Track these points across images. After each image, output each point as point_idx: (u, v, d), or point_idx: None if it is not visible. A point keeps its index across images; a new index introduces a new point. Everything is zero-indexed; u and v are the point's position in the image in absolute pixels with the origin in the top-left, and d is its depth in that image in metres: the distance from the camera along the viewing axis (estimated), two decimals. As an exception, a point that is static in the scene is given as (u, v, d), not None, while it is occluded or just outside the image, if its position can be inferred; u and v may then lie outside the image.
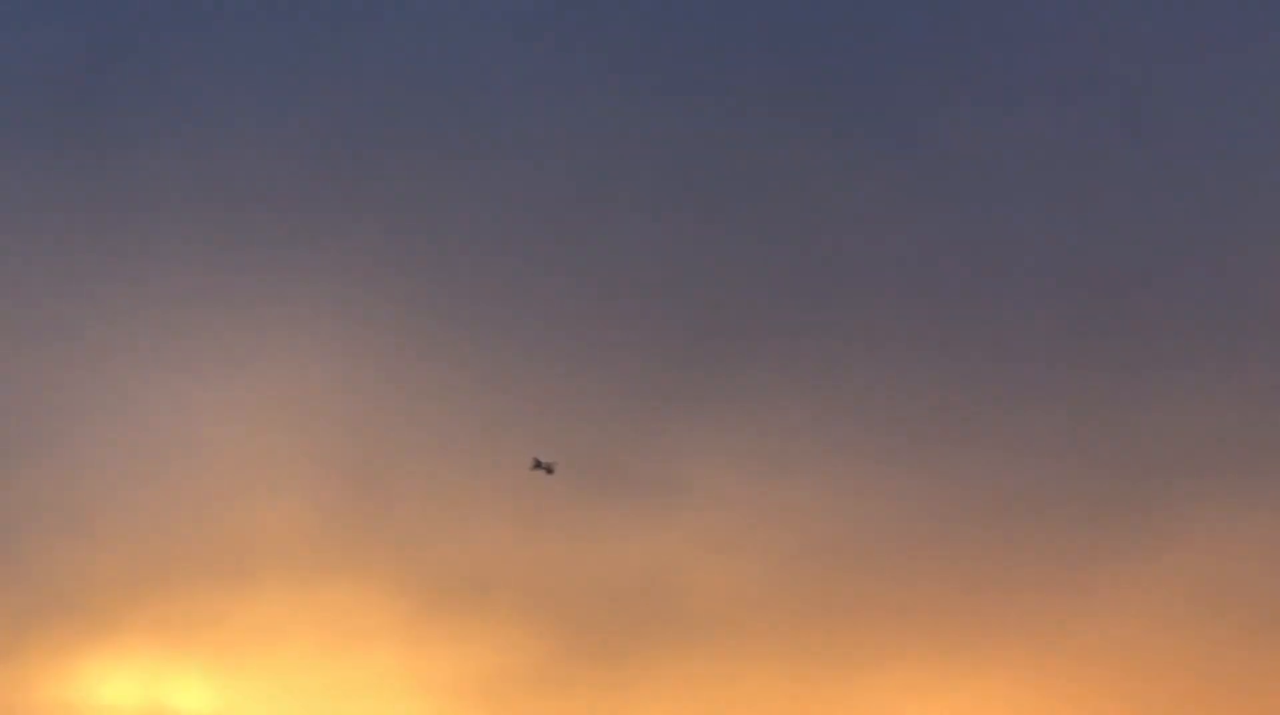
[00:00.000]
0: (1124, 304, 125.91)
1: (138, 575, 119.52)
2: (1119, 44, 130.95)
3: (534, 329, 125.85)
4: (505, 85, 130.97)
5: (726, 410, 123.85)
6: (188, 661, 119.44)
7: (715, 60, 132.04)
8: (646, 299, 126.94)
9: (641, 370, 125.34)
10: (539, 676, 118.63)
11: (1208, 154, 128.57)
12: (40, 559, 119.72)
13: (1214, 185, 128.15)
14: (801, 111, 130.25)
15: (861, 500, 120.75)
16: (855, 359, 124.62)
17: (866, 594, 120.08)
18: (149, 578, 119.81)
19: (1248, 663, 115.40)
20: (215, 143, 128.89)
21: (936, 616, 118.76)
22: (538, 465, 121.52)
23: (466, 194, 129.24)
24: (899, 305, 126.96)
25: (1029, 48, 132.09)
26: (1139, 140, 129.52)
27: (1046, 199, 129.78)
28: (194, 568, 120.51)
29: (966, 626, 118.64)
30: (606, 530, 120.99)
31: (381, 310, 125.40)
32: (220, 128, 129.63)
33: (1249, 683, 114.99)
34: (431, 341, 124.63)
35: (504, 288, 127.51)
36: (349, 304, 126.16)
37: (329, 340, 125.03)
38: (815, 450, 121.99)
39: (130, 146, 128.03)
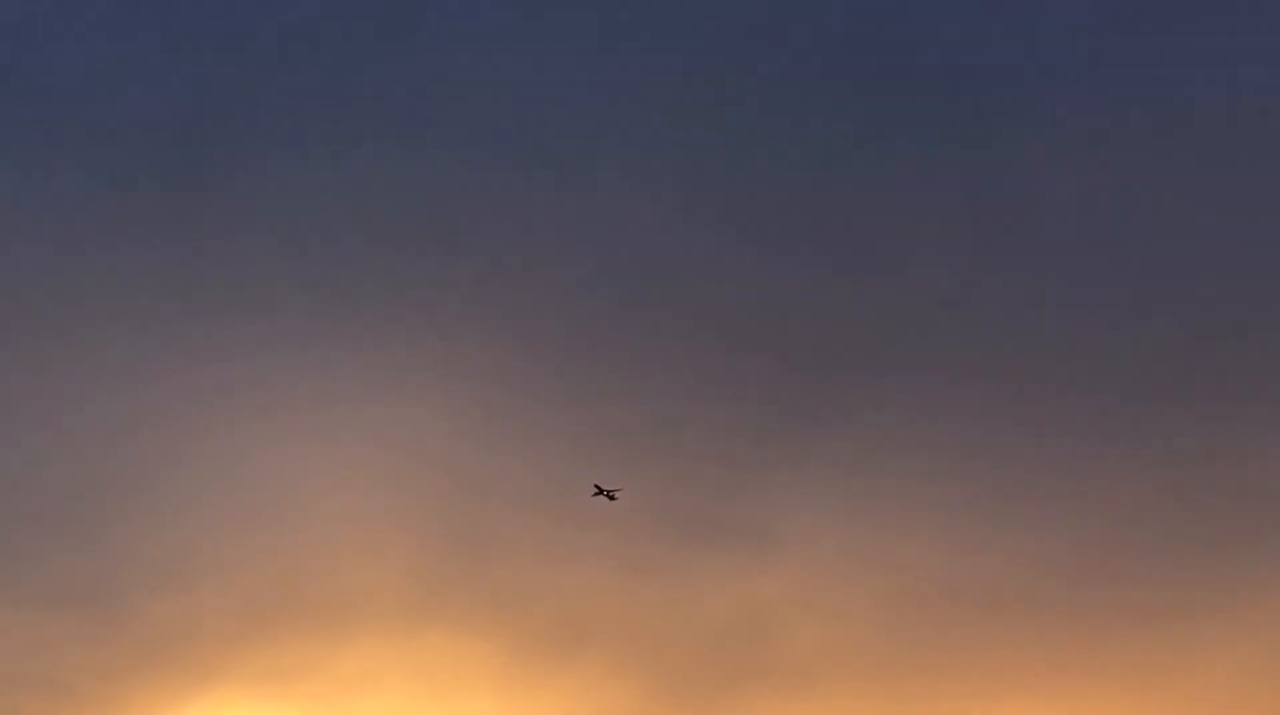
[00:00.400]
0: (1219, 350, 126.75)
1: (239, 627, 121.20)
2: (1205, 85, 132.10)
3: (631, 381, 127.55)
4: (598, 138, 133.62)
5: (821, 461, 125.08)
6: (288, 712, 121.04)
7: (807, 112, 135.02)
8: (744, 351, 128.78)
9: (738, 421, 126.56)
10: None
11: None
12: (144, 612, 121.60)
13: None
14: (896, 163, 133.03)
15: (956, 550, 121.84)
16: (950, 412, 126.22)
17: (961, 643, 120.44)
18: (250, 630, 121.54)
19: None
20: (308, 201, 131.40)
21: (1032, 665, 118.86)
22: (599, 491, 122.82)
23: (563, 247, 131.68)
24: (995, 359, 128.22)
25: (1114, 90, 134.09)
26: (1233, 185, 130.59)
27: (1139, 245, 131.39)
28: (293, 619, 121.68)
29: (1062, 675, 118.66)
30: (701, 578, 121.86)
31: (478, 364, 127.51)
32: (312, 185, 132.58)
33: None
34: (528, 394, 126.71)
35: (602, 342, 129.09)
36: (446, 359, 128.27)
37: (426, 394, 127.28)
38: (910, 501, 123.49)
39: (225, 208, 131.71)
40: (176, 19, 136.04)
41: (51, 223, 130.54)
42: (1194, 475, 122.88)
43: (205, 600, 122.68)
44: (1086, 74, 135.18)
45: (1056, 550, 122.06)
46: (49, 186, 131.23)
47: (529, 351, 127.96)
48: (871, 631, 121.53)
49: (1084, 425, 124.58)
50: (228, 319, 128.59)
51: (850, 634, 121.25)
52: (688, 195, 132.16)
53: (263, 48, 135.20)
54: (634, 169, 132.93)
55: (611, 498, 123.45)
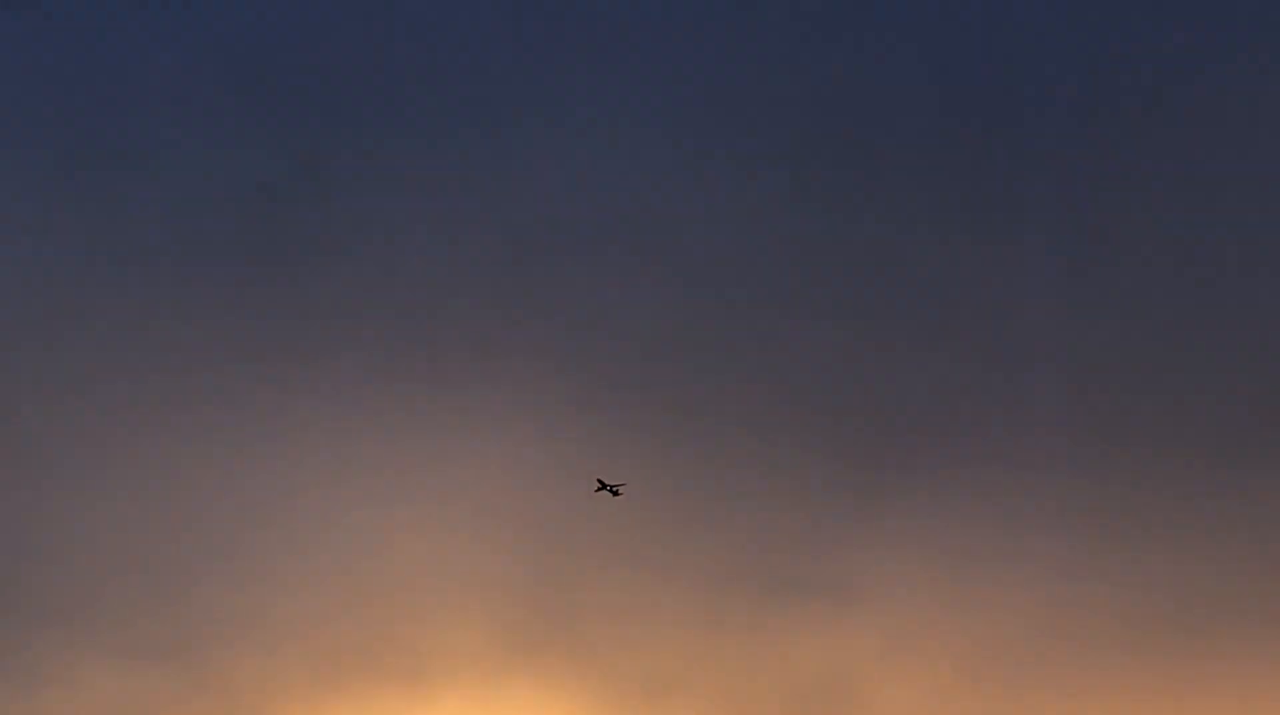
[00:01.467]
0: None
1: (321, 686, 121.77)
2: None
3: (714, 439, 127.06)
4: (689, 199, 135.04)
5: (901, 515, 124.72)
6: None
7: (893, 173, 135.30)
8: (825, 409, 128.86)
9: (817, 478, 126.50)
10: None
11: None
12: (229, 669, 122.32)
13: None
14: (975, 223, 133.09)
15: (1041, 600, 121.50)
16: (1032, 465, 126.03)
17: (1050, 694, 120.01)
18: (332, 688, 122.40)
19: None
20: (392, 266, 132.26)
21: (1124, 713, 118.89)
22: (602, 486, 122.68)
23: (648, 312, 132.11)
24: (1077, 412, 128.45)
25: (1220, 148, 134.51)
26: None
27: (1229, 298, 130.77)
28: (377, 677, 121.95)
29: None
30: (784, 634, 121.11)
31: (564, 427, 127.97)
32: (398, 248, 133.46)
33: None
34: (614, 454, 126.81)
35: (687, 402, 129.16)
36: (532, 420, 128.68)
37: (512, 456, 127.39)
38: (993, 552, 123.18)
39: (308, 275, 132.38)
40: (264, 87, 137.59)
41: (142, 288, 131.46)
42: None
43: (288, 658, 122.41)
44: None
45: (1145, 597, 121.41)
46: (139, 251, 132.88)
47: (614, 415, 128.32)
48: (958, 685, 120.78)
49: (1170, 476, 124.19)
50: (311, 384, 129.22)
51: (937, 687, 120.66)
52: (767, 258, 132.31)
53: (350, 116, 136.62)
54: (715, 231, 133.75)
55: (615, 493, 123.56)
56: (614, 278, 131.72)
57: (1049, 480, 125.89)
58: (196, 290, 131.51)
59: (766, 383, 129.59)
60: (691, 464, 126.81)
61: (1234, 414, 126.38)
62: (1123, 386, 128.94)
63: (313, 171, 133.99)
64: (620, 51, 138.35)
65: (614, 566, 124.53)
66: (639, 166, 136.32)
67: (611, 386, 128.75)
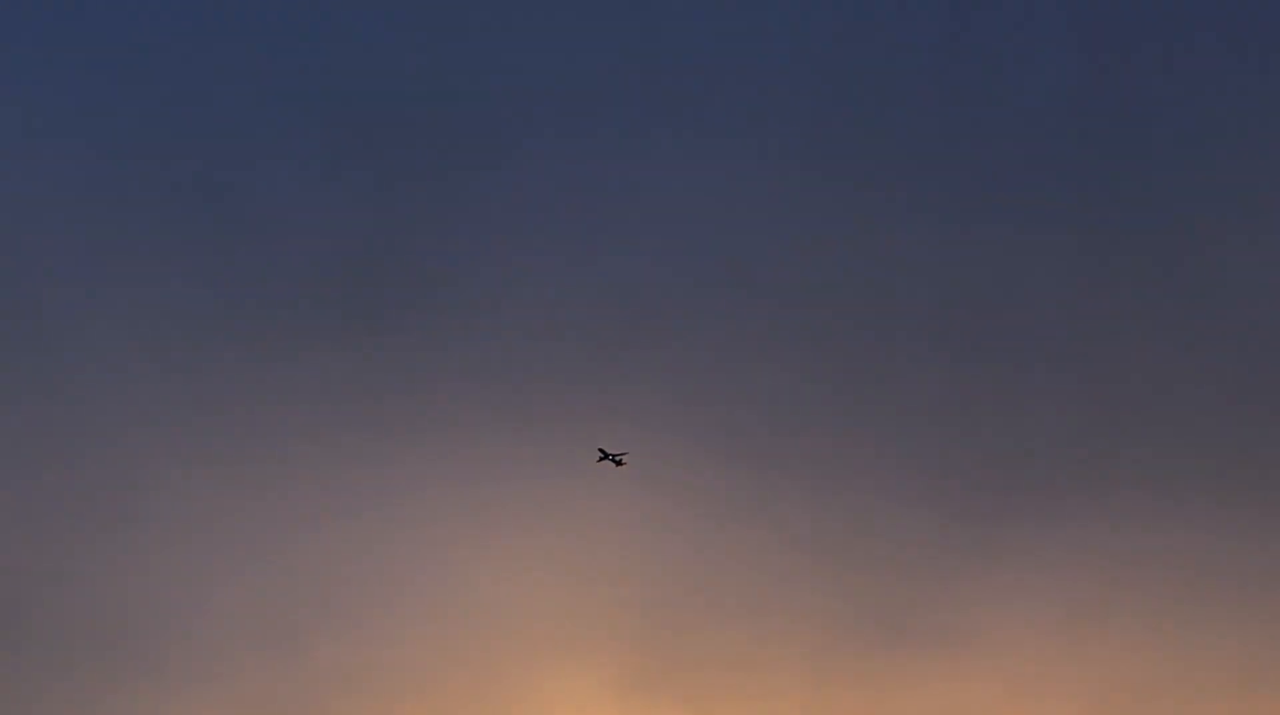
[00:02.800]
0: None
1: None
2: None
3: (822, 491, 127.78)
4: (779, 242, 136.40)
5: (1015, 565, 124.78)
6: None
7: (1012, 222, 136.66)
8: (938, 460, 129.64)
9: (929, 526, 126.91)
10: None
11: None
12: (351, 706, 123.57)
13: None
14: (1082, 267, 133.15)
15: (1158, 651, 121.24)
16: (1145, 513, 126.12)
17: None
18: None
19: None
20: (491, 319, 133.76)
21: None
22: (604, 456, 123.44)
23: (757, 363, 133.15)
24: (1192, 462, 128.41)
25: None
26: None
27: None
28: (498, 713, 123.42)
29: None
30: (898, 685, 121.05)
31: (673, 480, 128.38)
32: (496, 308, 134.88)
33: None
34: (720, 507, 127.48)
35: (799, 455, 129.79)
36: (648, 471, 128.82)
37: (629, 505, 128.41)
38: (1107, 606, 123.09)
39: (412, 334, 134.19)
40: (354, 142, 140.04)
41: (258, 359, 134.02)
42: None
43: (418, 697, 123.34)
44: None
45: (1266, 648, 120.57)
46: (253, 323, 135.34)
47: (725, 468, 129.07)
48: None
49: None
50: (417, 449, 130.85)
51: None
52: (877, 311, 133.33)
53: (437, 165, 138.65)
54: (818, 284, 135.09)
55: (618, 463, 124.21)
56: (717, 332, 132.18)
57: (1162, 528, 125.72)
58: (307, 360, 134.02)
59: (879, 435, 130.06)
60: (798, 517, 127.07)
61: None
62: (1235, 437, 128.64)
63: (414, 229, 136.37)
64: (715, 113, 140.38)
65: (728, 617, 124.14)
66: (737, 219, 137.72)
67: (724, 438, 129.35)
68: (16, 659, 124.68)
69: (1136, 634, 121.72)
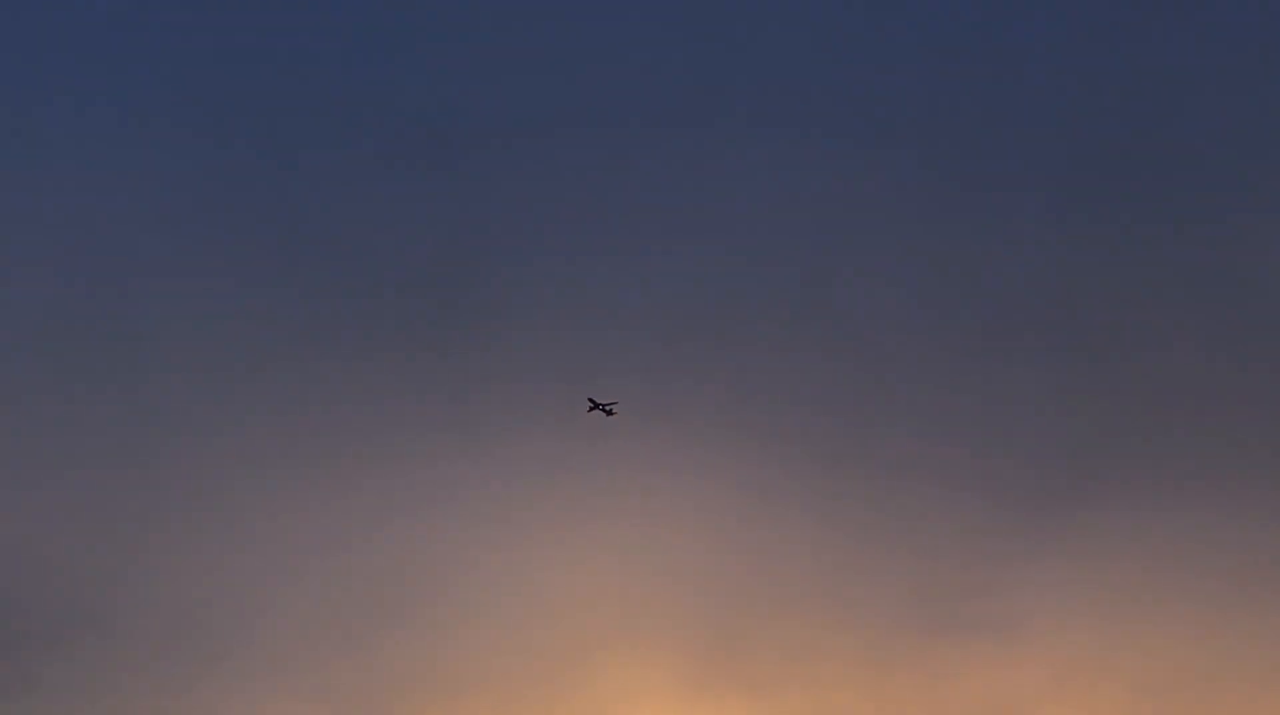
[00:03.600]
0: None
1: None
2: None
3: (872, 486, 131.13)
4: (845, 248, 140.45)
5: (1064, 554, 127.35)
6: None
7: (1064, 224, 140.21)
8: (990, 455, 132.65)
9: (981, 517, 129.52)
10: None
11: None
12: (428, 699, 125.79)
13: None
14: (1128, 265, 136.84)
15: (1206, 637, 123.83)
16: (1191, 505, 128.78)
17: None
18: None
19: None
20: (561, 331, 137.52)
21: None
22: (594, 406, 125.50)
23: (813, 365, 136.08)
24: (1233, 444, 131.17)
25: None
26: None
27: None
28: (573, 708, 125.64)
29: None
30: (948, 672, 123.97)
31: (742, 478, 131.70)
32: (560, 318, 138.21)
33: None
34: (779, 501, 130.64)
35: (847, 448, 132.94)
36: (714, 473, 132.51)
37: (696, 505, 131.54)
38: (1152, 593, 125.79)
39: (493, 353, 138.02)
40: (435, 169, 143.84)
41: (332, 367, 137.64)
42: None
43: (471, 701, 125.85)
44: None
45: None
46: (326, 329, 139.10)
47: (786, 467, 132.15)
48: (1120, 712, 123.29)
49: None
50: (487, 439, 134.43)
51: None
52: (920, 311, 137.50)
53: (519, 191, 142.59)
54: (863, 283, 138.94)
55: (609, 413, 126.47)
56: (775, 338, 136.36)
57: (1209, 517, 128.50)
58: (378, 369, 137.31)
59: (932, 431, 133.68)
60: (851, 512, 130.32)
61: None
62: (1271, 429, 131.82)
63: (483, 247, 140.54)
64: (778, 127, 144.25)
65: (788, 607, 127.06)
66: (793, 236, 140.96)
67: (784, 441, 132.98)
68: (112, 648, 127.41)
69: (1183, 620, 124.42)
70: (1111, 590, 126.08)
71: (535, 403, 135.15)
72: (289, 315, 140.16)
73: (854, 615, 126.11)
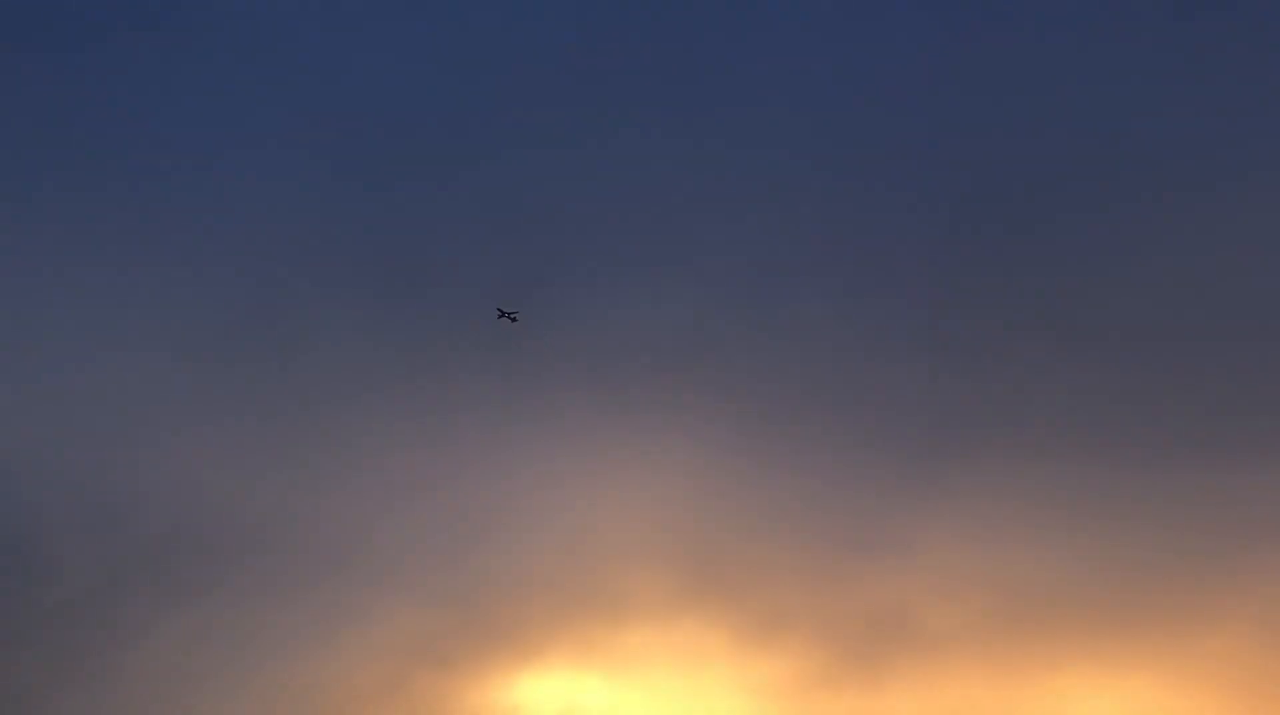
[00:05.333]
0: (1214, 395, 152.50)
1: (557, 619, 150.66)
2: None
3: (819, 444, 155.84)
4: (833, 245, 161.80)
5: (952, 495, 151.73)
6: (588, 678, 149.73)
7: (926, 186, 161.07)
8: (894, 418, 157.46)
9: (892, 468, 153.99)
10: (819, 682, 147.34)
11: None
12: (497, 611, 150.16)
13: None
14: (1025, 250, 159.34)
15: (1044, 564, 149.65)
16: (1051, 456, 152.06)
17: (1046, 625, 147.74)
18: (562, 620, 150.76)
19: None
20: (598, 338, 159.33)
21: (1090, 638, 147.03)
22: (502, 314, 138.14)
23: (763, 368, 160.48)
24: (1075, 407, 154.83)
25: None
26: None
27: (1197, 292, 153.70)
28: (593, 613, 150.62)
29: (1111, 645, 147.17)
30: (863, 579, 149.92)
31: (724, 443, 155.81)
32: (603, 313, 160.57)
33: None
34: (749, 462, 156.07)
35: (788, 421, 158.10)
36: (704, 437, 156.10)
37: (688, 463, 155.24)
38: (1020, 524, 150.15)
39: (542, 346, 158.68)
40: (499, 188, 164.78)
41: (432, 368, 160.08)
42: (1193, 516, 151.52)
43: (542, 597, 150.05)
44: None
45: (1116, 559, 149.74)
46: (422, 356, 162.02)
47: (756, 441, 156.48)
48: (989, 613, 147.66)
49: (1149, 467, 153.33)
50: (556, 416, 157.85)
51: (968, 621, 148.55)
52: (848, 289, 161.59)
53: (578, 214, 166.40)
54: (809, 287, 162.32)
55: (513, 319, 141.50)
56: (746, 343, 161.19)
57: (1062, 467, 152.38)
58: (473, 358, 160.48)
59: (851, 403, 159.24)
60: (801, 462, 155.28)
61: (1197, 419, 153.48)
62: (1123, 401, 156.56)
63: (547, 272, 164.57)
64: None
65: (751, 533, 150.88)
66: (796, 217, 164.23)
67: (762, 419, 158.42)
68: (263, 564, 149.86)
69: (1037, 543, 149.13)
70: (981, 519, 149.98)
71: (573, 392, 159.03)
72: (397, 317, 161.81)
73: (797, 539, 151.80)
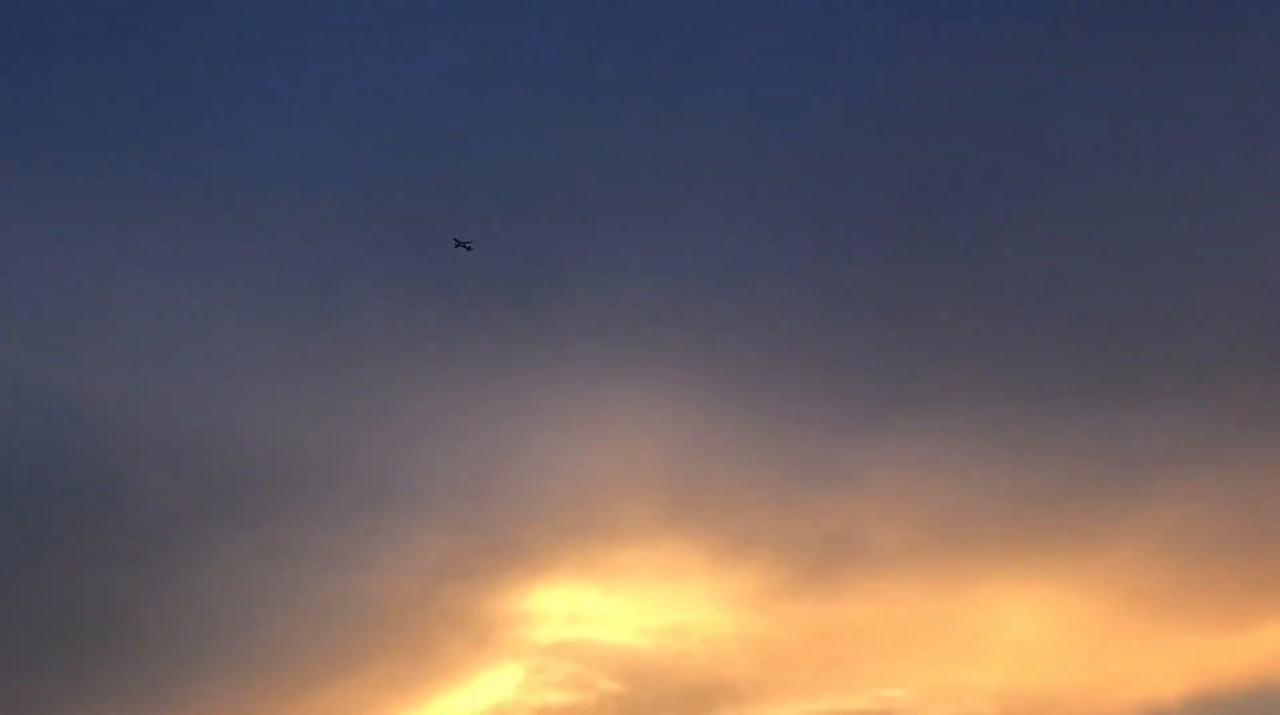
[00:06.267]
0: (1115, 349, 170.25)
1: (563, 537, 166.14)
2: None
3: (779, 390, 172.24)
4: (760, 224, 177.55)
5: (897, 434, 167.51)
6: (589, 588, 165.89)
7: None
8: (848, 366, 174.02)
9: (842, 409, 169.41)
10: (782, 592, 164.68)
11: None
12: (516, 532, 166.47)
13: None
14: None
15: (976, 492, 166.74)
16: (982, 393, 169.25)
17: (973, 542, 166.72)
18: (567, 539, 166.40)
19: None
20: (613, 305, 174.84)
21: (1009, 551, 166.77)
22: (459, 244, 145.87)
23: (740, 336, 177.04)
24: (1014, 357, 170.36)
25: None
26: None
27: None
28: (591, 532, 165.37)
29: (1026, 558, 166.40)
30: (816, 505, 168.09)
31: (708, 390, 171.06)
32: (604, 280, 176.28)
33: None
34: (726, 402, 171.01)
35: (757, 371, 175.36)
36: (689, 387, 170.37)
37: (675, 407, 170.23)
38: (950, 456, 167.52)
39: (564, 316, 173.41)
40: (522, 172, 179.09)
41: (477, 340, 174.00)
42: (1094, 451, 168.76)
43: (550, 522, 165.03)
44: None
45: (1031, 485, 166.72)
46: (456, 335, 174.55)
47: (727, 387, 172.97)
48: (928, 533, 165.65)
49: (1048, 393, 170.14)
50: (566, 373, 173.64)
51: (908, 540, 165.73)
52: (815, 257, 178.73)
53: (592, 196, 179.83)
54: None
55: (468, 249, 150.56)
56: (724, 304, 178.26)
57: (986, 410, 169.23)
58: (489, 325, 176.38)
59: (817, 361, 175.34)
60: (767, 404, 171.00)
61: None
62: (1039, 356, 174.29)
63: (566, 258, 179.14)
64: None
65: (726, 463, 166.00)
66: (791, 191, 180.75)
67: (737, 371, 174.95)
68: (316, 495, 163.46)
69: (971, 475, 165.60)
70: (918, 455, 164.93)
71: (577, 347, 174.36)
72: (428, 283, 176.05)
73: (764, 472, 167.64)
